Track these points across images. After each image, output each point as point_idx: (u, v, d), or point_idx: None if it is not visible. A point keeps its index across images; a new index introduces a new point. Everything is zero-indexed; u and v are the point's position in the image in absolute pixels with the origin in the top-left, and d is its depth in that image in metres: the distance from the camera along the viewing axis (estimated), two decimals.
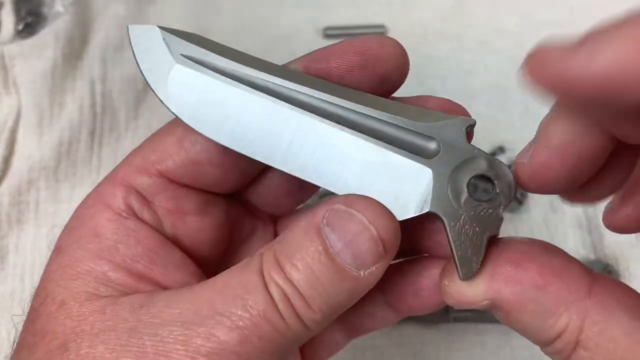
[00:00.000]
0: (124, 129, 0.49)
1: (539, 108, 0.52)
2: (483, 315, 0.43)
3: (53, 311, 0.24)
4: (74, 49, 0.51)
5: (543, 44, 0.19)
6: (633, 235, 0.45)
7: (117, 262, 0.25)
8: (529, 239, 0.24)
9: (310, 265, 0.22)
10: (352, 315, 0.29)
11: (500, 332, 0.43)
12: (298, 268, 0.22)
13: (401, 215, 0.24)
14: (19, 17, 0.52)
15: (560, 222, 0.46)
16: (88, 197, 0.27)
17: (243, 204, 0.30)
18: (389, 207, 0.23)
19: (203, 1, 0.54)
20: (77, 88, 0.50)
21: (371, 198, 0.23)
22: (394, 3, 0.55)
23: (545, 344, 0.24)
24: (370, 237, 0.22)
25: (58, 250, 0.26)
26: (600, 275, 0.22)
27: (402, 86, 0.51)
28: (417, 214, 0.24)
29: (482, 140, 0.49)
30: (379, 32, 0.53)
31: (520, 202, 0.46)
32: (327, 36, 0.53)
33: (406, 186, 0.24)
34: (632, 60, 0.15)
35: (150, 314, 0.22)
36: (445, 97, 0.50)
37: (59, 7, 0.53)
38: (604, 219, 0.26)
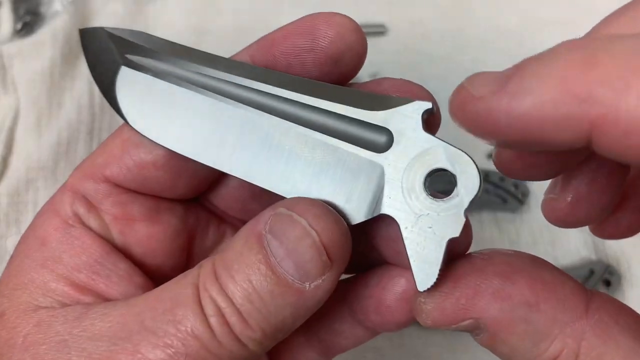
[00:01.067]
0: None
1: None
2: None
3: None
4: (73, 49, 0.51)
5: (469, 80, 0.18)
6: (635, 235, 0.45)
7: (59, 272, 0.23)
8: (514, 250, 0.21)
9: (248, 276, 0.20)
10: (322, 332, 0.27)
11: None
12: (235, 280, 0.20)
13: (352, 219, 0.21)
14: (17, 16, 0.52)
15: None
16: (45, 204, 0.26)
17: (209, 209, 0.28)
18: (340, 210, 0.21)
19: (202, 0, 0.54)
20: (75, 87, 0.50)
21: (314, 199, 0.21)
22: (395, 2, 0.55)
23: None
24: (312, 244, 0.20)
25: (10, 259, 0.25)
26: (596, 292, 0.20)
27: None
28: (368, 217, 0.21)
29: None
30: (379, 31, 0.53)
31: (521, 202, 0.46)
32: None
33: (358, 186, 0.21)
34: (556, 106, 0.14)
35: (82, 327, 0.21)
36: (446, 96, 0.50)
37: (57, 6, 0.53)
38: (592, 230, 0.25)
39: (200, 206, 0.28)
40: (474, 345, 0.44)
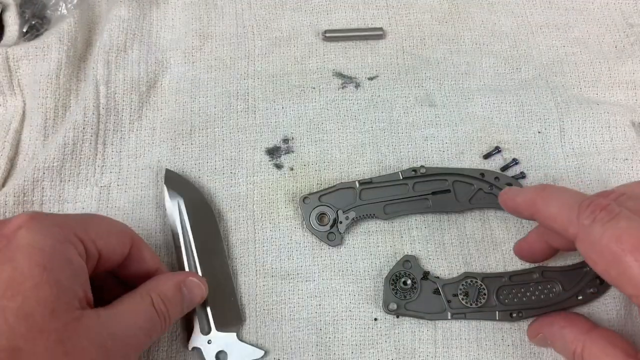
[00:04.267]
0: (127, 129, 0.50)
1: (534, 109, 0.54)
2: (480, 314, 0.44)
3: None
4: (78, 51, 0.51)
5: (507, 189, 0.42)
6: None
7: None
8: (560, 312, 0.43)
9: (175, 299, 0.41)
10: None
11: (496, 329, 0.44)
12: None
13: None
14: (23, 19, 0.53)
15: None
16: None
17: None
18: None
19: (205, 4, 0.55)
20: (81, 89, 0.51)
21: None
22: (392, 6, 0.56)
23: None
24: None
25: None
26: (598, 326, 0.40)
27: (402, 87, 0.52)
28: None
29: (479, 141, 0.50)
30: (377, 35, 0.54)
31: None
32: (327, 39, 0.53)
33: None
34: (525, 202, 0.39)
35: None
36: (443, 98, 0.51)
37: (63, 10, 0.54)
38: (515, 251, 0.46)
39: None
40: (468, 341, 0.45)
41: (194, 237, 0.45)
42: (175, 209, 0.46)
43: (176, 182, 0.47)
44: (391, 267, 0.45)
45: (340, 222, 0.46)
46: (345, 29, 0.54)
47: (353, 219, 0.46)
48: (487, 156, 0.49)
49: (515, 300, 0.44)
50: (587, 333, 0.38)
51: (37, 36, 0.52)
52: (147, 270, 0.40)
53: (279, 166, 0.49)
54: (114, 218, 0.41)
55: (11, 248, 0.32)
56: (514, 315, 0.44)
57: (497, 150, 0.49)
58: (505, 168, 0.49)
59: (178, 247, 0.45)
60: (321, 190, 0.47)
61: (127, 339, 0.35)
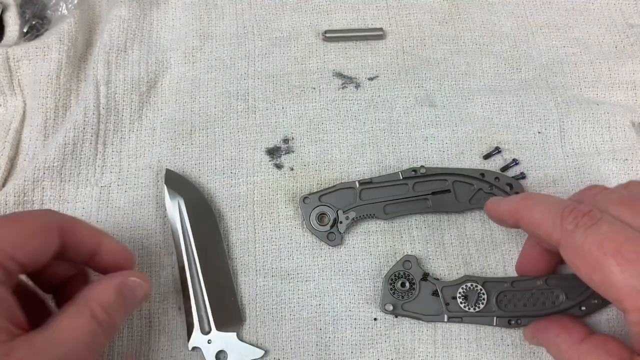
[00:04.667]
0: (127, 129, 0.50)
1: (534, 109, 0.54)
2: (477, 318, 0.44)
3: None
4: (78, 51, 0.52)
5: (491, 199, 0.42)
6: None
7: None
8: (562, 315, 0.42)
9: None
10: None
11: (496, 329, 0.44)
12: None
13: None
14: (23, 19, 0.53)
15: None
16: None
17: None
18: None
19: (205, 5, 0.55)
20: (81, 89, 0.51)
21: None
22: (392, 7, 0.56)
23: None
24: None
25: None
26: (594, 333, 0.38)
27: (402, 87, 0.52)
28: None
29: (479, 142, 0.50)
30: (377, 35, 0.54)
31: None
32: (327, 39, 0.54)
33: None
34: (508, 211, 0.39)
35: None
36: (443, 99, 0.51)
37: (63, 10, 0.54)
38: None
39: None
40: (467, 342, 0.45)
41: (194, 237, 0.45)
42: (175, 209, 0.46)
43: (176, 182, 0.47)
44: (391, 267, 0.45)
45: (340, 222, 0.46)
46: (345, 29, 0.54)
47: (353, 219, 0.47)
48: (487, 156, 0.49)
49: (516, 307, 0.43)
50: (581, 342, 0.37)
51: (37, 36, 0.52)
52: (90, 251, 0.38)
53: (279, 166, 0.49)
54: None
55: None
56: (512, 322, 0.43)
57: (497, 150, 0.49)
58: (505, 168, 0.49)
59: (178, 247, 0.45)
60: (321, 190, 0.47)
61: (68, 358, 0.32)
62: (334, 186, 0.47)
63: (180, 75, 0.52)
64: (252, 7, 0.55)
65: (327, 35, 0.53)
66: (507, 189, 0.47)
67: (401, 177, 0.47)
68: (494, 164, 0.49)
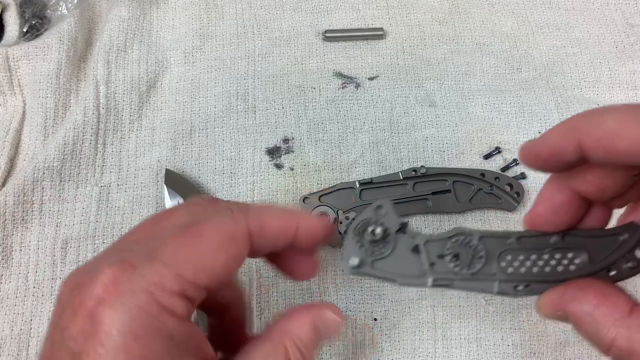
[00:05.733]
0: (127, 129, 0.50)
1: (535, 109, 0.54)
2: (473, 282, 0.32)
3: None
4: (78, 51, 0.52)
5: (526, 142, 0.29)
6: None
7: None
8: (594, 278, 0.30)
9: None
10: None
11: (496, 329, 0.44)
12: None
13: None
14: (23, 19, 0.53)
15: None
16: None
17: None
18: None
19: (205, 4, 0.55)
20: (81, 89, 0.51)
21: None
22: (392, 6, 0.56)
23: (603, 352, 0.28)
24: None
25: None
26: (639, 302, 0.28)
27: (402, 87, 0.52)
28: None
29: (479, 141, 0.50)
30: (378, 35, 0.54)
31: (516, 201, 0.47)
32: (327, 39, 0.54)
33: None
34: (562, 132, 0.27)
35: None
36: (443, 99, 0.51)
37: (63, 10, 0.54)
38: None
39: None
40: (467, 341, 0.45)
41: None
42: None
43: (176, 182, 0.47)
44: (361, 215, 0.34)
45: (341, 222, 0.46)
46: (345, 29, 0.54)
47: (353, 219, 0.46)
48: (487, 156, 0.49)
49: (523, 269, 0.31)
50: (629, 316, 0.27)
51: (37, 36, 0.53)
52: (285, 243, 0.32)
53: (279, 166, 0.49)
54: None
55: (98, 337, 0.25)
56: (520, 288, 0.31)
57: (498, 150, 0.49)
58: (505, 168, 0.49)
59: None
60: (321, 190, 0.47)
61: None
62: (334, 186, 0.47)
63: (180, 75, 0.52)
64: (252, 7, 0.55)
65: (327, 35, 0.53)
66: (508, 189, 0.47)
67: (401, 177, 0.47)
68: (494, 164, 0.49)
